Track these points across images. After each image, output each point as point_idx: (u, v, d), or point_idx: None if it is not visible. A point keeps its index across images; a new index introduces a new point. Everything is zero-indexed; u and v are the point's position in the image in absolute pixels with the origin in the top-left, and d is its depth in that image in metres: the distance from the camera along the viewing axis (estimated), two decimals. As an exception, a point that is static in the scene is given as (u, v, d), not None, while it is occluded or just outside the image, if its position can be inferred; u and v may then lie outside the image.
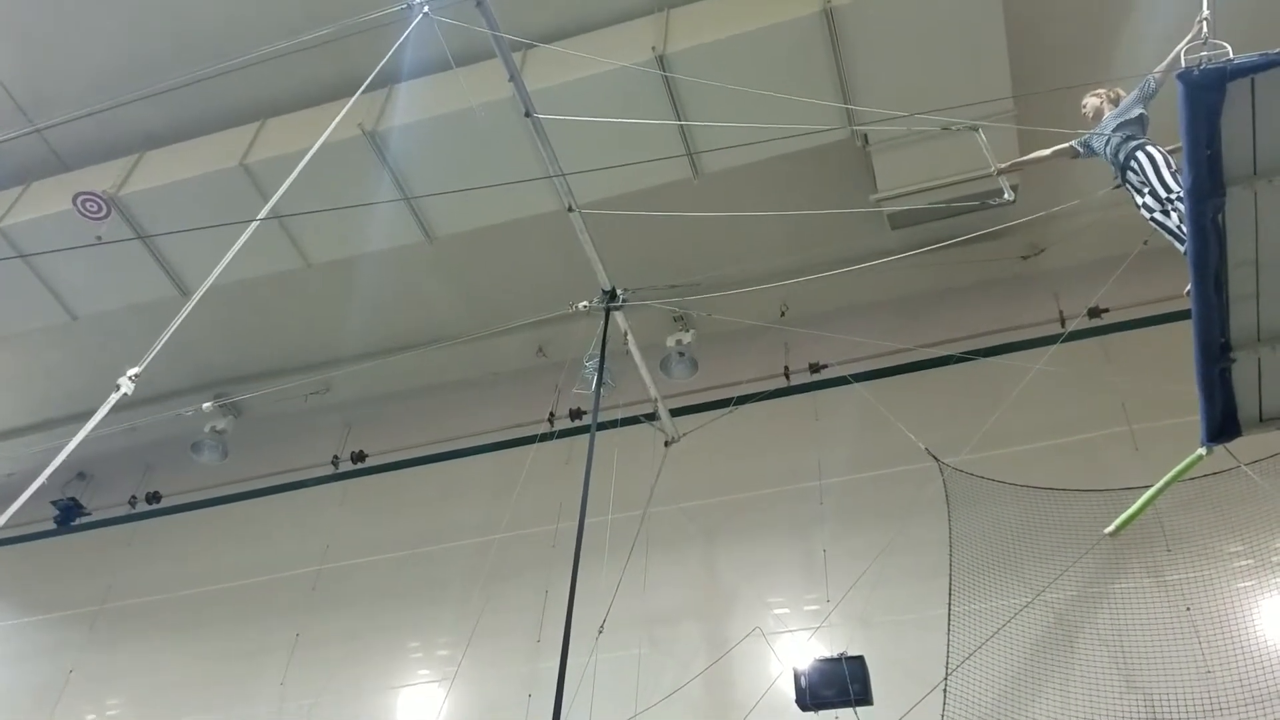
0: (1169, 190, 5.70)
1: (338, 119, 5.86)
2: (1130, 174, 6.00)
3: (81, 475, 12.46)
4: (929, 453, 7.90)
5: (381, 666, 9.60)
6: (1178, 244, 5.74)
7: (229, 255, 4.43)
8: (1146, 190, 5.88)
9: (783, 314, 9.80)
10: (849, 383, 9.06)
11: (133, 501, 12.08)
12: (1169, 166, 5.77)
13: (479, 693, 8.92)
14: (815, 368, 9.92)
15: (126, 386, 3.70)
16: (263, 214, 5.00)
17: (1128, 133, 6.01)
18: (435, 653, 9.45)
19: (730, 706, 7.84)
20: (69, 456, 11.98)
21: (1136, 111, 6.10)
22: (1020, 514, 7.50)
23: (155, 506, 12.02)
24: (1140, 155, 5.88)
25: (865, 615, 7.86)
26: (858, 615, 7.87)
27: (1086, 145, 6.45)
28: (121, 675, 10.65)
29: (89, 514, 12.25)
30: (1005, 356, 8.88)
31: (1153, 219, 5.94)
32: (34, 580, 11.95)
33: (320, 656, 9.85)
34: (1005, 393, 7.77)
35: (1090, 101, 6.57)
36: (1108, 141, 6.11)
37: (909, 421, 8.08)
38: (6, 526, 10.95)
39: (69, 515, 12.18)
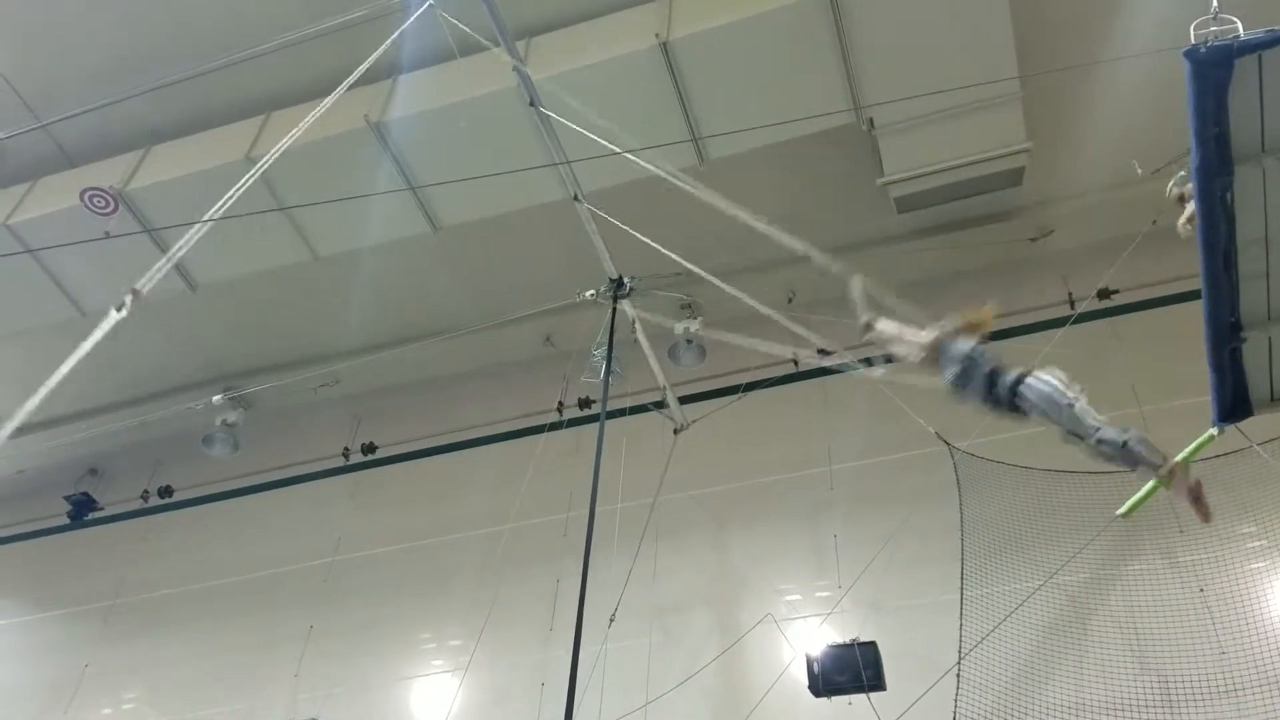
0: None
1: (338, 92, 5.83)
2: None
3: (93, 471, 12.52)
4: (939, 437, 7.87)
5: (394, 657, 9.64)
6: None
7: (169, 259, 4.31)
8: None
9: (790, 300, 9.77)
10: (858, 368, 9.05)
11: (145, 496, 12.13)
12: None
13: (492, 683, 8.95)
14: (824, 353, 9.88)
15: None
16: (239, 188, 4.91)
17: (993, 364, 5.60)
18: (448, 643, 9.48)
19: (743, 693, 7.85)
20: (81, 451, 12.07)
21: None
22: (1031, 497, 7.46)
23: (167, 501, 12.06)
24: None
25: (877, 601, 7.86)
26: (869, 601, 7.87)
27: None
28: (137, 669, 10.72)
29: (102, 509, 12.31)
30: (1015, 339, 8.83)
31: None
32: (48, 576, 12.02)
33: (334, 648, 9.90)
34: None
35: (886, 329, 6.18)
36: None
37: (919, 406, 8.04)
38: (20, 522, 11.11)
39: (81, 511, 12.25)
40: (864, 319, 6.37)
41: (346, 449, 11.53)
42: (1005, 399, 5.48)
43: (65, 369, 3.66)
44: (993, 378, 5.59)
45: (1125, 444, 5.12)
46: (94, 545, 12.05)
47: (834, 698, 7.41)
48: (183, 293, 9.83)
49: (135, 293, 3.89)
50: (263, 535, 11.21)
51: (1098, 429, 5.17)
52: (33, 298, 9.94)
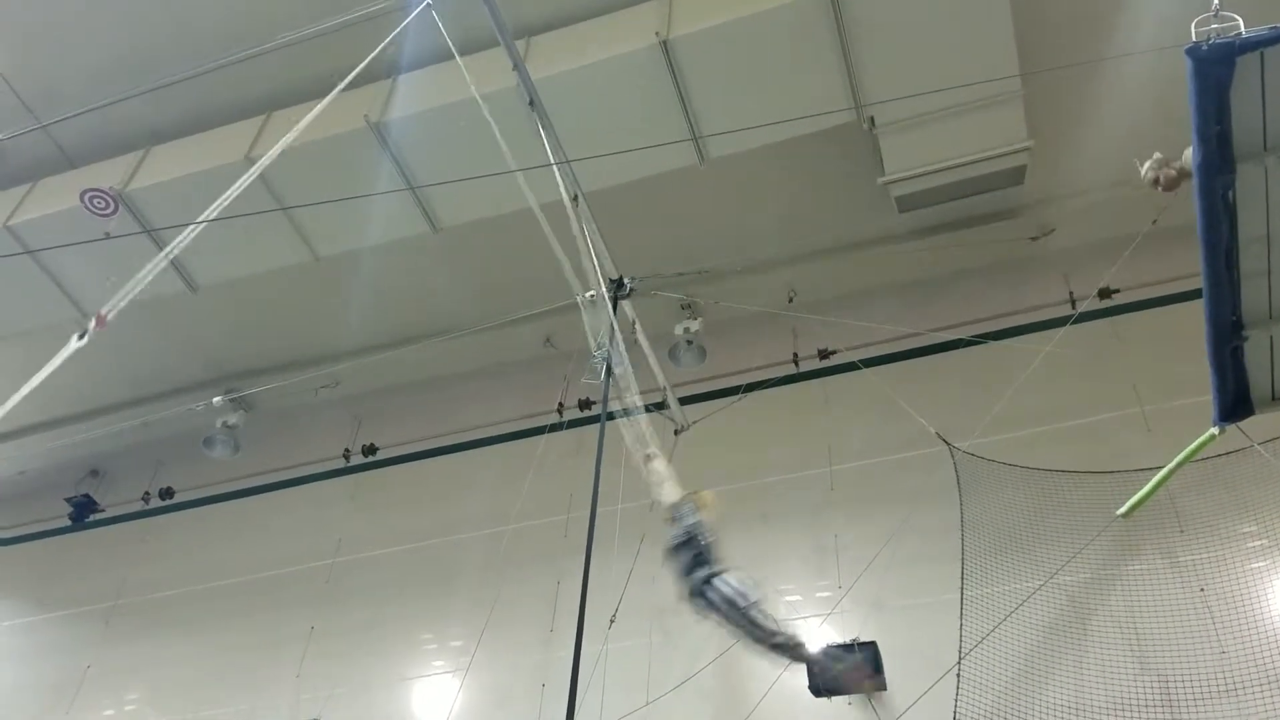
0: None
1: (331, 95, 5.83)
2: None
3: (94, 472, 12.53)
4: (940, 437, 7.87)
5: (396, 658, 9.63)
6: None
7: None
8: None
9: (791, 300, 9.77)
10: (858, 368, 9.04)
11: (146, 497, 12.14)
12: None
13: (493, 683, 8.94)
14: (824, 354, 9.88)
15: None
16: (237, 188, 4.90)
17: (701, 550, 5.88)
18: (449, 644, 9.47)
19: (743, 694, 7.83)
20: (82, 453, 12.04)
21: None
22: (1032, 497, 7.45)
23: (169, 502, 12.07)
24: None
25: (877, 601, 7.84)
26: (869, 601, 7.85)
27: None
28: (139, 669, 10.72)
29: (103, 510, 12.32)
30: (1016, 339, 8.84)
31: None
32: (50, 577, 12.02)
33: (335, 649, 9.90)
34: (1016, 376, 7.73)
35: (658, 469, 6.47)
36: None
37: (920, 406, 8.05)
38: (22, 524, 11.06)
39: (83, 512, 12.26)
40: (646, 451, 6.71)
41: (347, 450, 11.53)
42: (695, 588, 5.86)
43: (17, 398, 3.63)
44: (695, 562, 5.94)
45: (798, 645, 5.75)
46: (95, 546, 12.06)
47: (834, 698, 7.40)
48: (183, 293, 9.82)
49: (99, 319, 3.82)
50: (264, 536, 11.21)
51: (775, 633, 5.67)
52: (33, 299, 9.94)
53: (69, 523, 12.28)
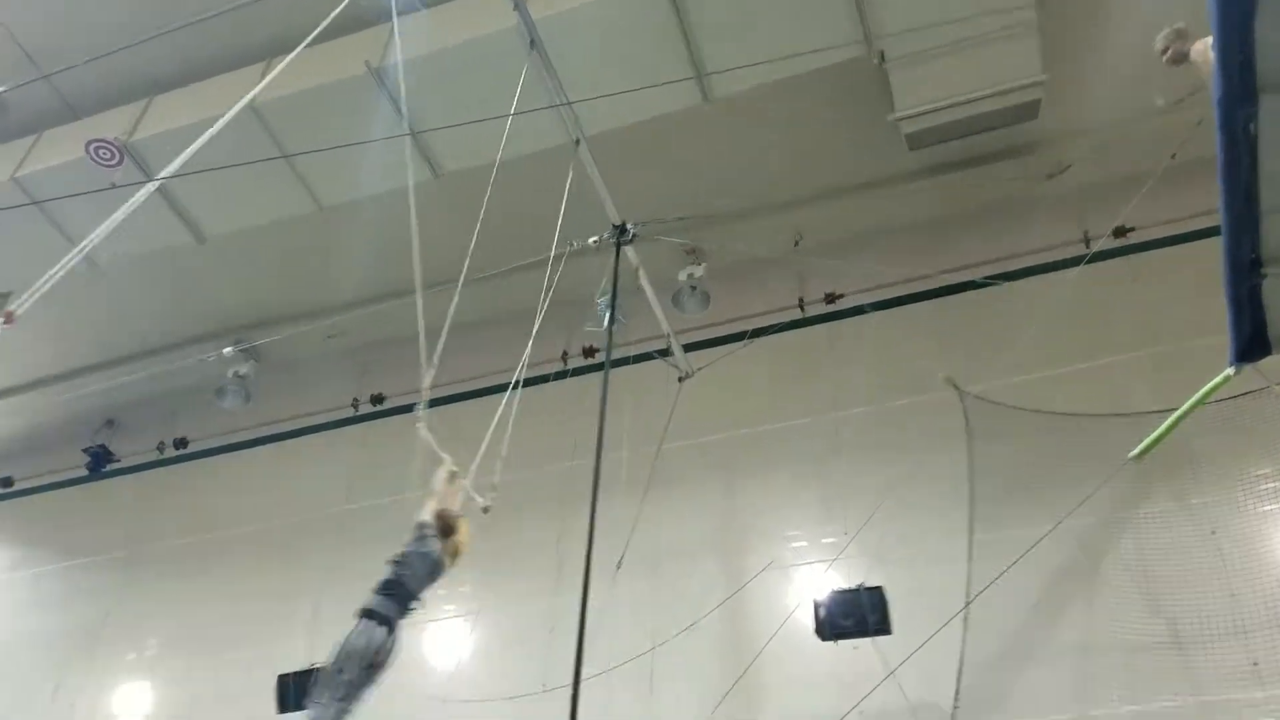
0: None
1: (324, 24, 5.65)
2: None
3: (110, 423, 12.60)
4: (949, 381, 7.77)
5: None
6: None
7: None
8: None
9: (797, 244, 9.60)
10: (865, 312, 8.91)
11: (161, 447, 12.22)
12: None
13: (503, 627, 9.05)
14: (831, 298, 9.71)
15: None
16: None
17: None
18: (458, 589, 9.54)
19: (749, 638, 7.88)
20: (98, 404, 12.02)
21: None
22: (1042, 441, 7.36)
23: (183, 452, 12.14)
24: None
25: (883, 547, 7.82)
26: (876, 547, 7.83)
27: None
28: (158, 616, 10.92)
29: (119, 460, 12.43)
30: (1028, 280, 8.67)
31: None
32: (69, 526, 12.18)
33: (349, 593, 9.93)
34: (1028, 318, 7.60)
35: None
36: None
37: (928, 350, 7.97)
38: (41, 475, 11.12)
39: (100, 462, 12.37)
40: (447, 461, 6.04)
41: (355, 399, 11.53)
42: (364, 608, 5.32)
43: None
44: (384, 588, 5.35)
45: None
46: (112, 496, 12.19)
47: (840, 642, 7.41)
48: (192, 245, 9.78)
49: (8, 316, 3.73)
50: (277, 485, 11.29)
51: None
52: (42, 252, 9.88)
53: (86, 473, 12.40)
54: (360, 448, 11.21)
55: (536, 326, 7.13)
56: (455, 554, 5.59)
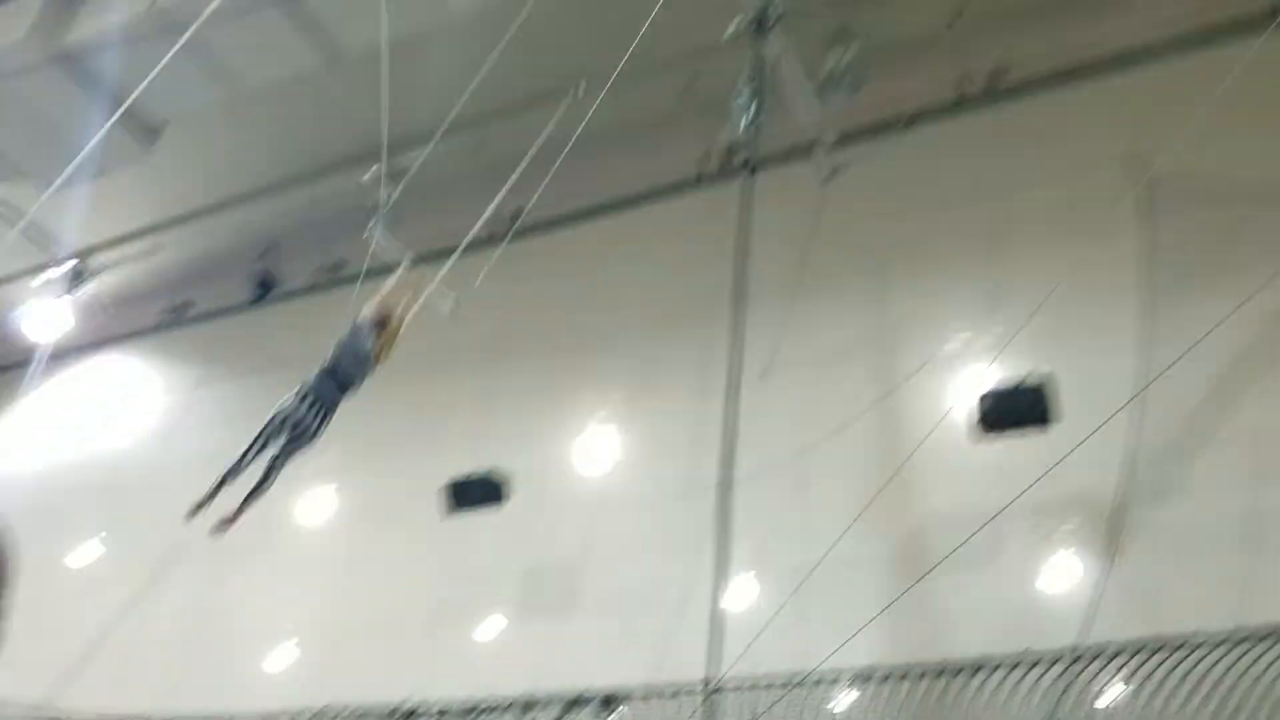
0: None
1: None
2: None
3: (269, 249, 13.08)
4: (1129, 159, 7.15)
5: (562, 411, 10.06)
6: None
7: None
8: None
9: (954, 22, 8.78)
10: (1032, 91, 8.20)
11: (320, 272, 12.59)
12: None
13: (652, 434, 9.26)
14: (997, 76, 8.90)
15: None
16: None
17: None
18: (609, 396, 9.78)
19: (905, 437, 7.81)
20: (258, 231, 12.42)
21: None
22: (1226, 216, 6.78)
23: (341, 275, 12.46)
24: None
25: (1050, 337, 7.49)
26: (1042, 337, 7.50)
27: None
28: (329, 431, 11.56)
29: (281, 285, 12.95)
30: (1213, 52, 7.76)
31: None
32: (243, 348, 12.85)
33: (502, 405, 10.39)
34: (1217, 86, 6.84)
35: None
36: None
37: (1105, 128, 7.31)
38: (217, 297, 11.54)
39: (262, 288, 12.96)
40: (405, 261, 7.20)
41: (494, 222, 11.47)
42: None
43: None
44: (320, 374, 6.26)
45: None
46: (277, 320, 12.74)
47: (1001, 436, 7.27)
48: (330, 64, 9.75)
49: None
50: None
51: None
52: (188, 80, 10.09)
53: (253, 297, 12.99)
54: (504, 270, 11.29)
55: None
56: (389, 344, 6.62)
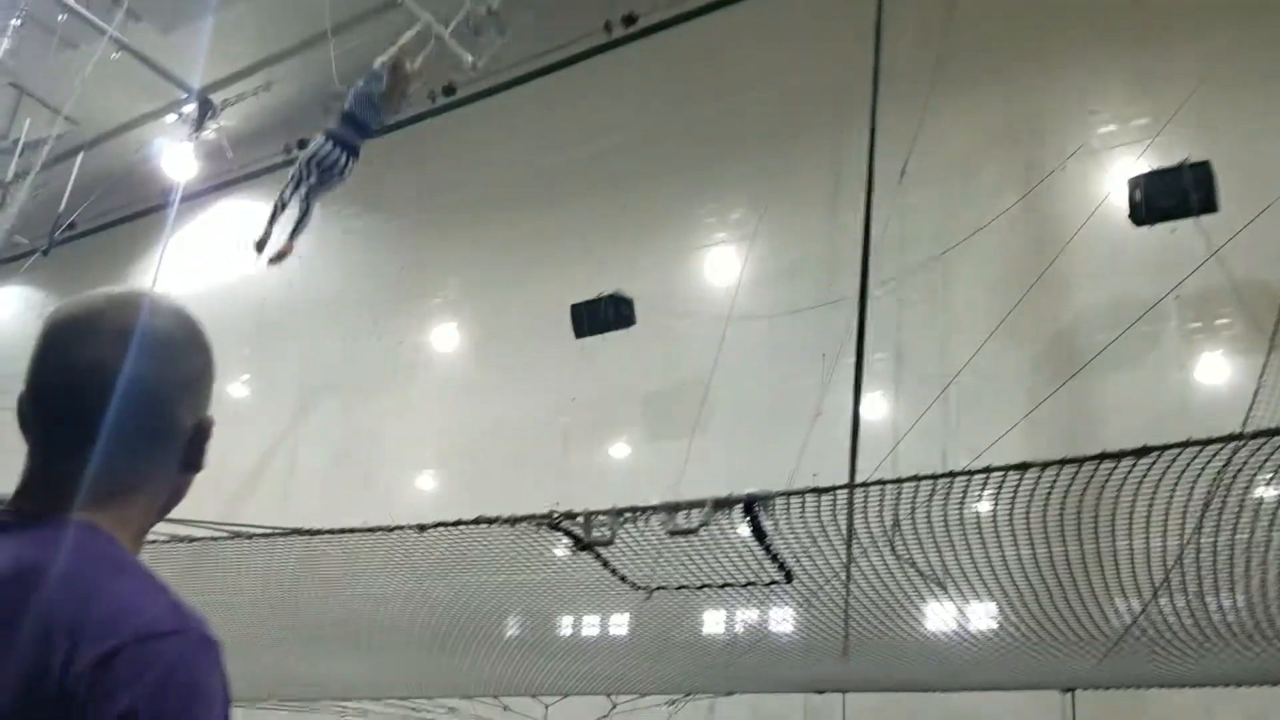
0: None
1: None
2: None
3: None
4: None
5: (681, 231, 9.94)
6: None
7: None
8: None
9: None
10: None
11: (433, 97, 12.30)
12: None
13: (784, 246, 9.09)
14: None
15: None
16: None
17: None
18: (728, 215, 9.60)
19: (1051, 232, 7.48)
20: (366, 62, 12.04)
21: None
22: None
23: (452, 99, 12.16)
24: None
25: (1209, 119, 6.96)
26: (1199, 121, 6.97)
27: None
28: (451, 263, 11.72)
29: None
30: None
31: None
32: (366, 180, 12.91)
33: (626, 225, 10.32)
34: None
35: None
36: None
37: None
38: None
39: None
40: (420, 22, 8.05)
41: (609, 23, 10.96)
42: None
43: None
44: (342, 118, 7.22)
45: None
46: (397, 148, 12.65)
47: (1156, 225, 6.88)
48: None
49: None
50: (548, 129, 11.33)
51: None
52: None
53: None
54: (620, 78, 10.92)
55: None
56: (399, 89, 7.32)
